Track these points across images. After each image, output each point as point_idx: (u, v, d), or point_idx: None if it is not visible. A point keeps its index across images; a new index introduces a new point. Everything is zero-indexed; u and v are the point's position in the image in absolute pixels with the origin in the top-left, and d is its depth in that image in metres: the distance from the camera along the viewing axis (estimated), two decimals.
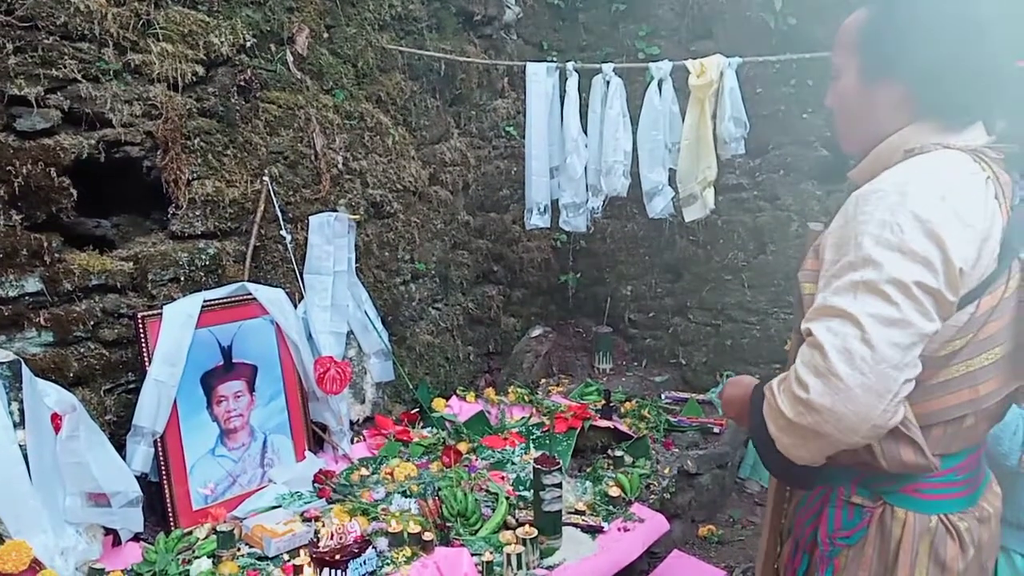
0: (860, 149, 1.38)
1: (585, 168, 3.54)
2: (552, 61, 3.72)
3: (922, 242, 1.13)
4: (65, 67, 2.30)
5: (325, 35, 3.16)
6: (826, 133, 3.90)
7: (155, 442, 2.51)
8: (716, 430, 3.76)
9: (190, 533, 2.50)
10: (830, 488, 1.36)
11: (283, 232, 2.97)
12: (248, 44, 2.82)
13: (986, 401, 1.28)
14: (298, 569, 2.30)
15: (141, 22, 2.49)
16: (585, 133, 3.53)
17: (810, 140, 3.96)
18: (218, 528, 2.46)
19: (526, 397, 3.86)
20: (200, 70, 2.67)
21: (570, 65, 3.51)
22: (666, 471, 3.32)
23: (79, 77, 2.33)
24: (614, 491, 2.99)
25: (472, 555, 2.45)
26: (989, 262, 1.21)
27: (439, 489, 2.78)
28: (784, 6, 3.82)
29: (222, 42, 2.72)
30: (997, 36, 1.24)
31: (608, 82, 3.43)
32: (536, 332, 4.38)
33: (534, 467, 2.62)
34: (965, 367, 1.25)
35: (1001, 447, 1.78)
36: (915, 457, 1.24)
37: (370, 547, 2.42)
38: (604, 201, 3.60)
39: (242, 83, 2.82)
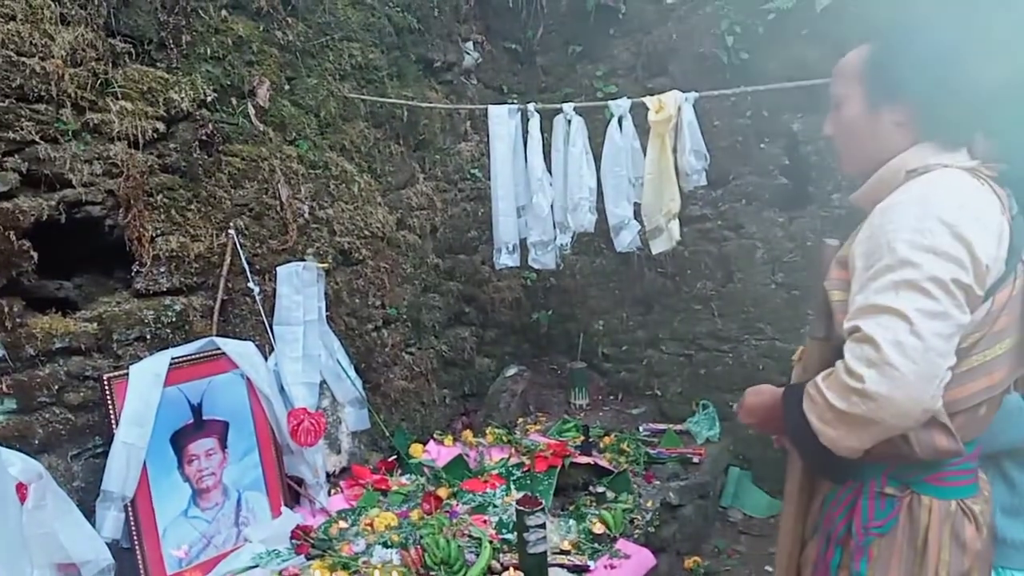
0: (861, 171, 1.54)
1: (552, 206, 3.56)
2: (513, 103, 3.77)
3: (951, 243, 1.28)
4: (22, 129, 2.27)
5: (286, 87, 3.18)
6: (784, 161, 3.99)
7: (125, 507, 2.44)
8: (695, 460, 3.76)
9: None
10: (862, 482, 1.47)
11: (251, 284, 2.94)
12: (209, 99, 2.82)
13: (998, 388, 1.42)
14: None
15: (99, 81, 2.47)
16: (550, 172, 3.57)
17: (769, 169, 4.04)
18: None
19: (504, 437, 3.83)
20: (161, 127, 2.66)
21: (531, 106, 3.55)
22: (649, 504, 3.30)
23: (37, 139, 2.30)
24: (598, 528, 2.96)
25: None
26: (1002, 263, 1.36)
27: (421, 537, 2.74)
28: (736, 41, 3.93)
29: (182, 98, 2.72)
30: (980, 65, 1.41)
31: (569, 121, 3.47)
32: (511, 371, 4.37)
33: (517, 508, 2.59)
34: (982, 357, 1.38)
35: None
36: (947, 442, 1.36)
37: None
38: (572, 237, 3.62)
39: (204, 138, 2.81)
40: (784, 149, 3.97)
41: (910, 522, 1.42)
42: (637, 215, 3.52)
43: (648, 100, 3.32)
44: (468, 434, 3.87)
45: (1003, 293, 1.37)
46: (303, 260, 3.15)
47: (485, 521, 2.99)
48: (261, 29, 3.07)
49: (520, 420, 4.20)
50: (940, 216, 1.30)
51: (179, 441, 2.64)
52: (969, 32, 1.44)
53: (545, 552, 2.60)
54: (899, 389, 1.24)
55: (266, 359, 2.95)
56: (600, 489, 3.28)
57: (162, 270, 2.69)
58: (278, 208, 3.10)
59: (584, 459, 3.51)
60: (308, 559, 2.69)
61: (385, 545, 2.75)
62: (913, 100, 1.44)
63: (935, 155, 1.43)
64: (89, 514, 2.35)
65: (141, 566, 2.46)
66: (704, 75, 3.95)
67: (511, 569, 2.55)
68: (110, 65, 2.51)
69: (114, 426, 2.44)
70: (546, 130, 3.58)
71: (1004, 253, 1.36)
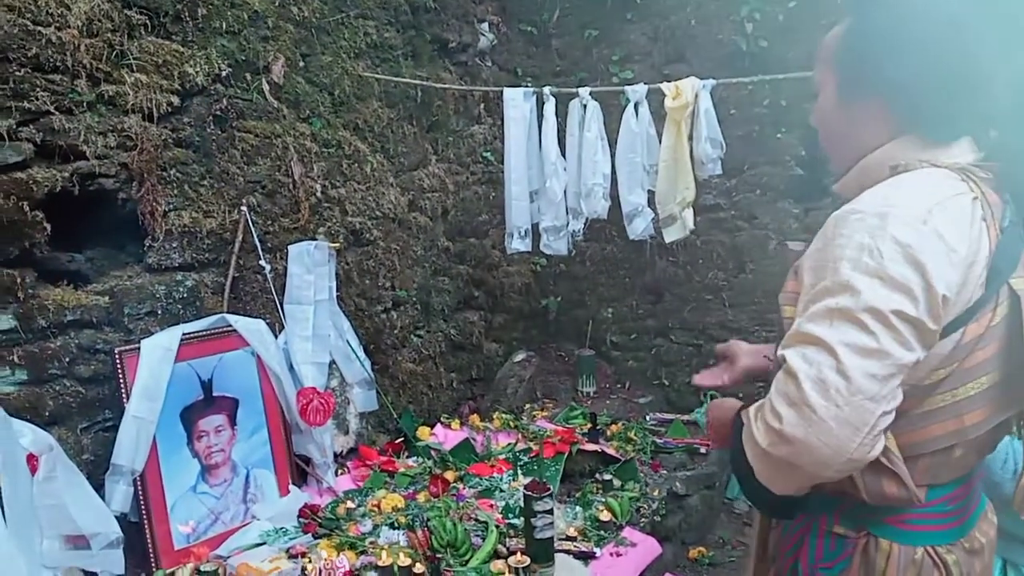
0: (846, 166, 1.34)
1: (565, 191, 3.54)
2: (527, 86, 3.74)
3: (902, 268, 1.07)
4: (37, 99, 2.25)
5: (301, 64, 3.15)
6: (800, 152, 3.96)
7: (134, 481, 2.44)
8: (703, 450, 3.74)
9: (172, 574, 2.42)
10: (812, 517, 1.29)
11: (262, 262, 2.92)
12: (224, 74, 2.80)
13: (973, 432, 1.21)
14: None
15: (115, 53, 2.45)
16: (564, 157, 3.54)
17: (785, 159, 4.01)
18: (201, 568, 2.38)
19: (511, 423, 3.83)
20: (175, 100, 2.64)
21: (547, 90, 3.52)
22: (655, 493, 3.29)
23: (52, 109, 2.28)
24: (605, 515, 2.96)
25: None
26: (975, 288, 1.14)
27: (428, 520, 2.73)
28: (755, 29, 3.88)
29: (197, 72, 2.69)
30: (978, 46, 1.19)
31: (585, 106, 3.44)
32: (519, 357, 4.36)
33: (525, 493, 2.58)
34: (951, 396, 1.18)
35: (993, 476, 1.74)
36: (897, 490, 1.18)
37: None
38: (585, 224, 3.60)
39: (218, 113, 2.79)
40: (801, 139, 3.93)
41: (865, 566, 1.23)
42: (651, 203, 3.49)
43: (665, 86, 3.29)
44: (475, 418, 3.86)
45: (979, 323, 1.15)
46: (314, 239, 3.13)
47: (492, 505, 2.99)
48: (276, 4, 3.03)
49: (527, 406, 4.19)
50: (896, 234, 1.08)
51: (189, 417, 2.63)
52: (964, 7, 1.20)
53: (552, 538, 2.60)
54: (818, 435, 1.06)
55: (276, 337, 2.95)
56: (607, 477, 3.27)
57: (174, 245, 2.68)
58: (290, 186, 3.08)
59: (591, 447, 3.50)
60: (315, 538, 2.69)
61: (392, 526, 2.75)
62: (885, 91, 1.23)
63: (923, 150, 1.21)
64: (98, 487, 2.35)
65: (149, 540, 2.47)
66: (722, 62, 3.92)
67: (517, 554, 2.55)
68: (125, 36, 2.49)
69: (124, 400, 2.44)
70: (561, 114, 3.55)
71: (979, 275, 1.14)
